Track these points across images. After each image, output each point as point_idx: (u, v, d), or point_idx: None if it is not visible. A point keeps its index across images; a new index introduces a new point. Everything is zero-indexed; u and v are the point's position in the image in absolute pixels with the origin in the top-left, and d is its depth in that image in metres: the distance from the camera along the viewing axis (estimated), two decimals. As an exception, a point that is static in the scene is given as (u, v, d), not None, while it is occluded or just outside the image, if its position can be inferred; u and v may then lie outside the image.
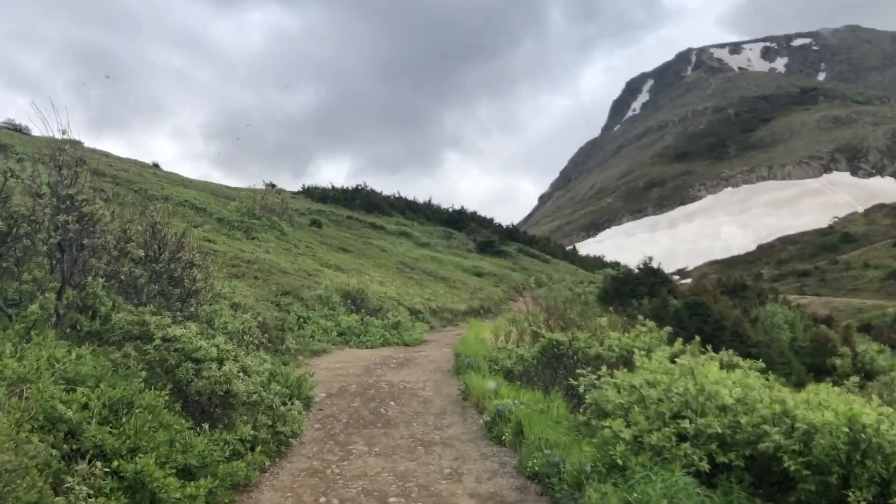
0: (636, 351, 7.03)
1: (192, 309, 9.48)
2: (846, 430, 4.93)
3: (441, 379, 10.83)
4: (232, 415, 7.08)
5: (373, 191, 64.50)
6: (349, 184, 66.28)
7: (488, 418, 7.73)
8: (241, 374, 7.27)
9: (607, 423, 5.58)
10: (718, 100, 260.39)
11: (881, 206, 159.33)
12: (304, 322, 14.74)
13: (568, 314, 26.05)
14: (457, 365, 11.14)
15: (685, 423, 5.46)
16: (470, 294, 32.93)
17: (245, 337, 9.51)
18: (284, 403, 7.69)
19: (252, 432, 6.82)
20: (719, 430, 5.38)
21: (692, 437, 5.43)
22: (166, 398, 5.94)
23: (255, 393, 7.23)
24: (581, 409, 6.80)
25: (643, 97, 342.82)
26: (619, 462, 5.42)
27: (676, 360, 6.79)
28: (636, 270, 46.55)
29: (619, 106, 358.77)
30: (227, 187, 44.39)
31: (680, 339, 8.54)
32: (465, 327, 25.82)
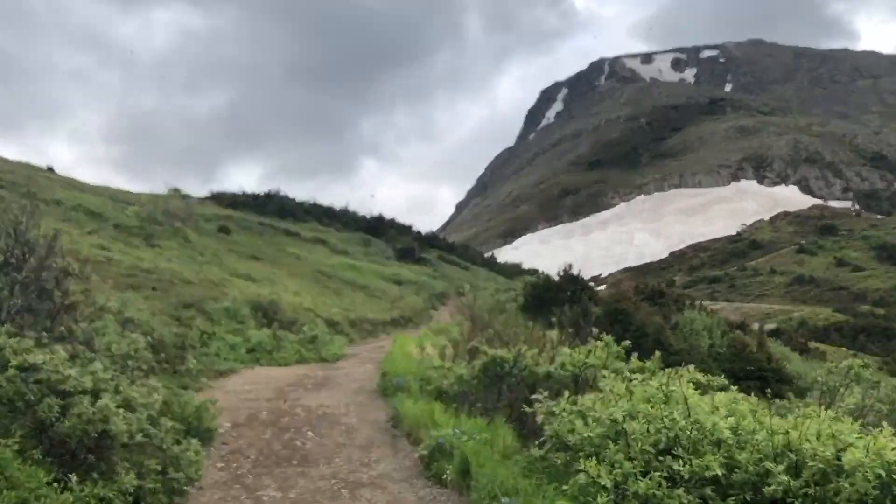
0: (602, 371, 6.02)
1: (65, 328, 7.86)
2: (881, 472, 3.99)
3: (366, 402, 9.51)
4: (111, 460, 5.59)
5: (286, 196, 62.21)
6: (261, 190, 63.61)
7: (425, 452, 6.53)
8: (122, 410, 5.78)
9: (581, 466, 4.46)
10: (631, 109, 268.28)
11: (785, 214, 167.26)
12: (209, 338, 13.12)
13: (493, 324, 25.15)
14: (383, 385, 9.86)
15: (678, 464, 4.41)
16: (391, 303, 31.60)
17: (130, 361, 7.95)
18: (179, 441, 6.23)
19: (136, 482, 5.33)
20: (719, 472, 4.35)
21: (685, 480, 4.39)
22: (16, 446, 4.49)
23: (140, 432, 5.75)
24: (536, 443, 5.68)
25: (557, 106, 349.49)
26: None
27: (633, 379, 5.80)
28: (556, 278, 46.53)
29: (534, 115, 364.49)
30: (129, 192, 41.52)
31: (635, 355, 7.57)
32: (387, 339, 24.45)
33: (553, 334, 8.67)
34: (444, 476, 6.06)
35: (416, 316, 31.96)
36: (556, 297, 41.91)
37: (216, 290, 19.36)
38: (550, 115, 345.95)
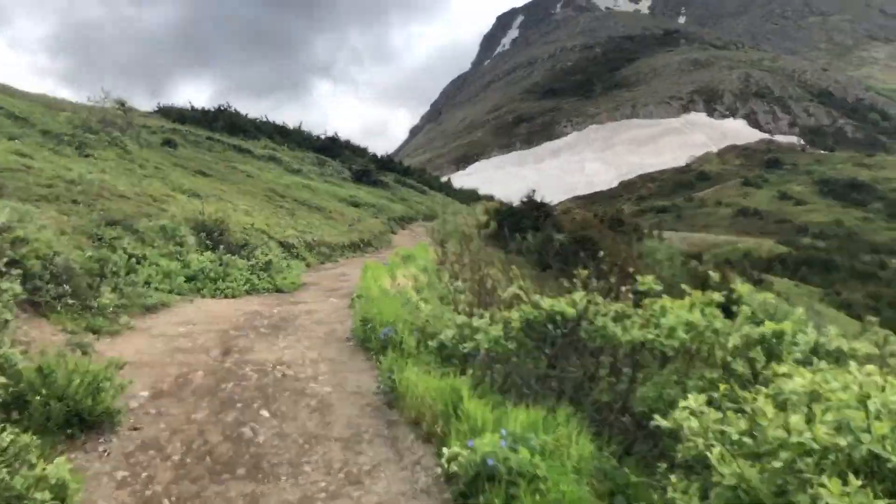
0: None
1: None
2: None
3: (340, 357, 7.05)
4: None
5: (237, 112, 57.67)
6: (212, 106, 59.06)
7: (456, 470, 3.98)
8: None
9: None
10: (586, 38, 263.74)
11: (733, 147, 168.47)
12: (138, 263, 10.55)
13: (463, 252, 23.00)
14: (363, 334, 7.40)
15: None
16: (348, 226, 29.08)
17: None
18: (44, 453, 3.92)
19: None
20: None
21: None
22: None
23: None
24: (671, 465, 3.40)
25: (513, 33, 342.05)
26: None
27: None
28: (519, 203, 44.45)
29: (490, 41, 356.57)
30: (68, 101, 37.27)
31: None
32: (347, 264, 22.14)
33: (649, 278, 6.30)
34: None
35: (375, 240, 29.69)
36: (518, 223, 40.10)
37: (154, 206, 16.59)
38: (506, 41, 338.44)
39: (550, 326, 4.84)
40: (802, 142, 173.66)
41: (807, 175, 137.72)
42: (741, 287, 4.98)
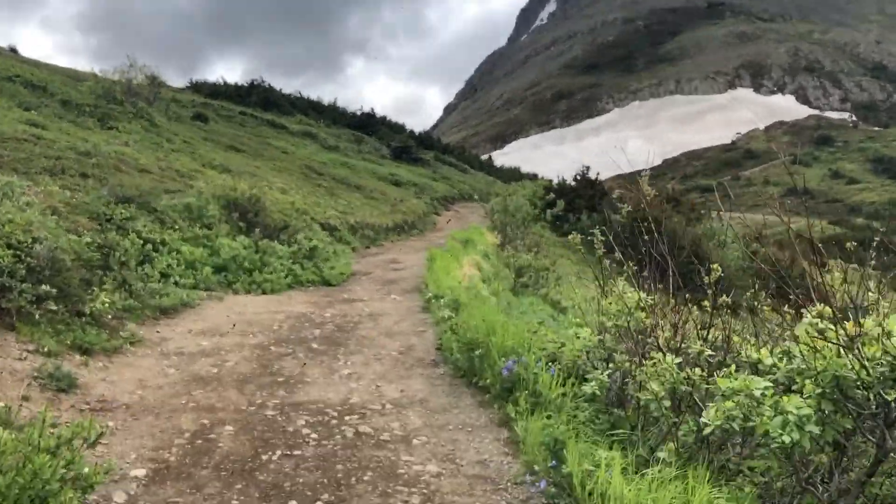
0: None
1: None
2: None
3: (433, 396, 4.79)
4: None
5: (271, 87, 55.75)
6: (244, 82, 57.29)
7: None
8: None
9: None
10: (628, 11, 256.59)
11: (781, 124, 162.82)
12: (154, 250, 8.50)
13: (525, 236, 20.70)
14: (462, 361, 5.12)
15: None
16: (391, 207, 26.95)
17: None
18: None
19: None
20: None
21: None
22: None
23: None
24: None
25: (550, 6, 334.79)
26: None
27: None
28: (573, 182, 41.78)
29: (527, 15, 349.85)
30: (93, 74, 35.63)
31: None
32: (393, 248, 20.07)
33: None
34: None
35: (420, 221, 27.61)
36: (572, 203, 37.55)
37: (179, 182, 14.60)
38: (544, 15, 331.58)
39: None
40: (854, 118, 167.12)
41: (859, 152, 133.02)
42: None
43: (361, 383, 4.99)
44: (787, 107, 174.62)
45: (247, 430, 4.02)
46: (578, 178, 40.57)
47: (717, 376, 2.79)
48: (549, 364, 4.22)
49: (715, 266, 3.72)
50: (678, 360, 3.00)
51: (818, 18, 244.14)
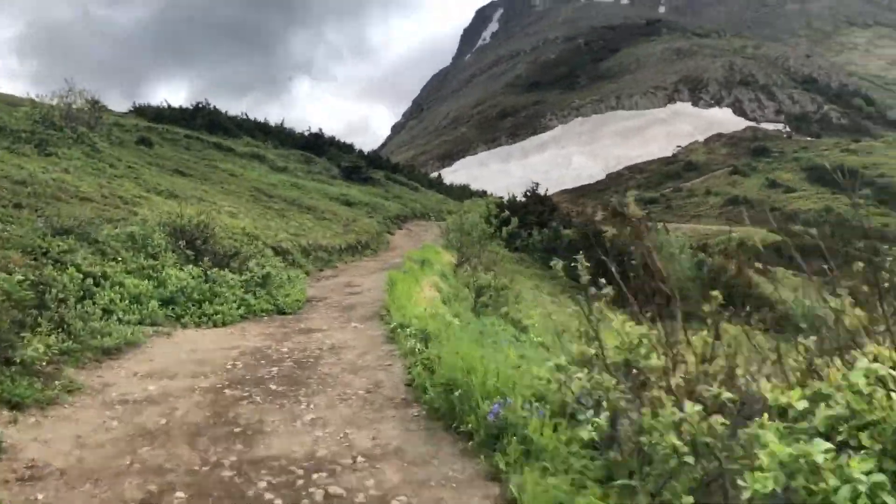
0: None
1: None
2: None
3: (409, 444, 4.29)
4: None
5: (216, 110, 54.57)
6: (190, 104, 55.91)
7: None
8: None
9: None
10: (568, 29, 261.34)
11: (719, 136, 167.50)
12: (96, 285, 7.92)
13: (481, 254, 20.44)
14: (440, 402, 4.65)
15: None
16: (343, 227, 26.47)
17: None
18: None
19: None
20: None
21: None
22: None
23: None
24: None
25: (493, 26, 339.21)
26: None
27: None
28: (523, 198, 41.78)
29: (470, 35, 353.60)
30: (30, 99, 34.10)
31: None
32: (348, 270, 19.59)
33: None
34: None
35: (373, 241, 27.23)
36: (523, 220, 37.55)
37: (123, 210, 13.92)
38: (487, 35, 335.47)
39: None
40: (788, 129, 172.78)
41: (794, 162, 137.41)
42: None
43: (328, 430, 4.52)
44: (724, 119, 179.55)
45: (201, 496, 3.54)
46: (528, 194, 40.78)
47: (749, 426, 2.47)
48: (538, 405, 3.87)
49: (715, 294, 3.44)
50: (698, 407, 2.68)
51: (750, 34, 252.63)
